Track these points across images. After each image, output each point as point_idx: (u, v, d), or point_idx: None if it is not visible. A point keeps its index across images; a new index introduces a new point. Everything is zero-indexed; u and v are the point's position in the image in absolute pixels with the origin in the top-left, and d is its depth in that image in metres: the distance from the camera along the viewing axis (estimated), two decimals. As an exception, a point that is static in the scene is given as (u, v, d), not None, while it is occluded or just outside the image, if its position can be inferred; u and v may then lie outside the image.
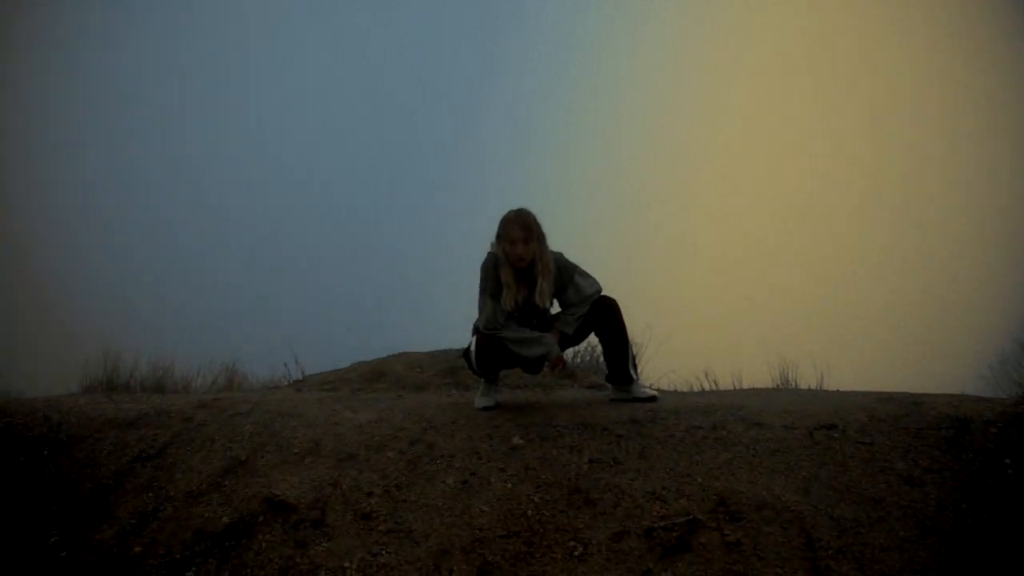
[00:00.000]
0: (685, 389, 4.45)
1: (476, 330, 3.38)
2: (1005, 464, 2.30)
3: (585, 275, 3.36)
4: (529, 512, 2.39)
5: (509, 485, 2.55)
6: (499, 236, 3.25)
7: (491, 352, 3.29)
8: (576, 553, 2.17)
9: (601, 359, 4.15)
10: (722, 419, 2.88)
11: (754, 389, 4.02)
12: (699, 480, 2.43)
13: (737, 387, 4.29)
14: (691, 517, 2.21)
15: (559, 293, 3.35)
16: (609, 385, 3.60)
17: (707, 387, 4.48)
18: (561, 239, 3.43)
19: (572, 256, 3.40)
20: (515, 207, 3.28)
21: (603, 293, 3.37)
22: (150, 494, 2.74)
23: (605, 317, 3.35)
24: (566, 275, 3.32)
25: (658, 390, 3.77)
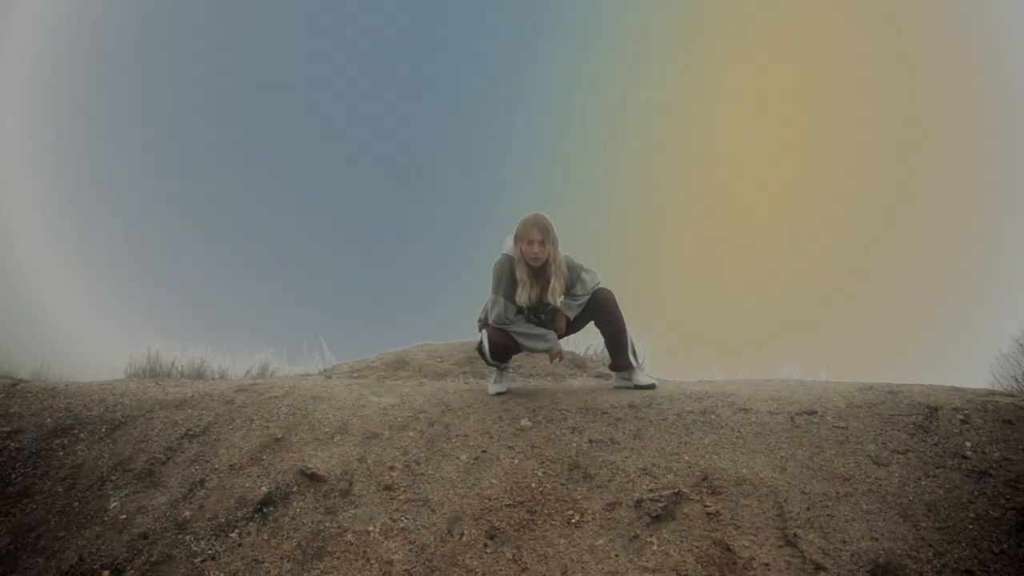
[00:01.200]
0: (689, 379, 4.68)
1: (483, 324, 3.69)
2: (965, 447, 2.52)
3: (589, 271, 3.67)
4: (533, 485, 2.66)
5: (516, 461, 2.84)
6: (517, 236, 3.53)
7: (502, 343, 3.59)
8: (573, 520, 2.45)
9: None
10: (712, 405, 3.13)
11: (749, 379, 4.24)
12: (686, 458, 2.68)
13: (736, 378, 4.51)
14: (676, 490, 2.47)
15: (568, 289, 3.65)
16: (613, 373, 3.87)
17: (709, 377, 4.70)
18: (575, 238, 3.74)
19: (584, 255, 3.70)
20: (533, 211, 3.57)
21: (601, 285, 3.68)
22: (197, 467, 3.06)
23: (602, 307, 3.67)
24: (574, 275, 3.62)
25: (659, 379, 4.02)
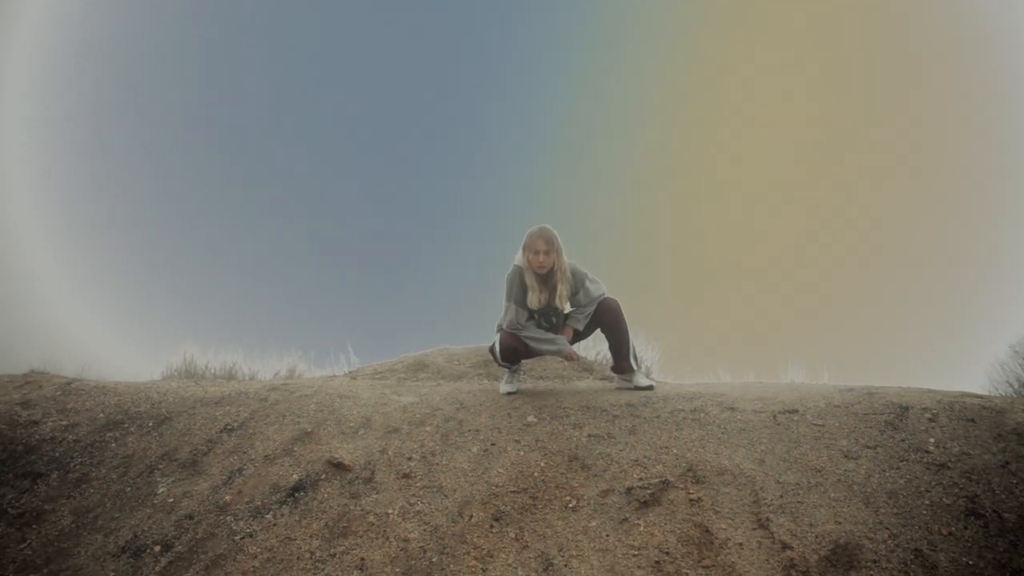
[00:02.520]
0: (688, 382, 4.93)
1: (500, 328, 4.00)
2: (929, 442, 2.75)
3: (593, 280, 3.96)
4: (535, 474, 2.95)
5: (521, 453, 3.13)
6: (525, 246, 3.86)
7: (512, 347, 3.90)
8: (570, 505, 2.73)
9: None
10: (702, 404, 3.40)
11: (744, 382, 4.48)
12: (675, 451, 2.95)
13: (737, 381, 4.76)
14: (663, 479, 2.74)
15: (572, 295, 3.95)
16: (615, 375, 4.16)
17: (707, 380, 4.95)
18: (580, 246, 4.04)
19: (594, 263, 4.01)
20: (539, 224, 3.89)
21: (606, 295, 3.97)
22: (235, 457, 3.39)
23: (608, 315, 3.95)
24: (578, 281, 3.92)
25: (663, 382, 4.29)
